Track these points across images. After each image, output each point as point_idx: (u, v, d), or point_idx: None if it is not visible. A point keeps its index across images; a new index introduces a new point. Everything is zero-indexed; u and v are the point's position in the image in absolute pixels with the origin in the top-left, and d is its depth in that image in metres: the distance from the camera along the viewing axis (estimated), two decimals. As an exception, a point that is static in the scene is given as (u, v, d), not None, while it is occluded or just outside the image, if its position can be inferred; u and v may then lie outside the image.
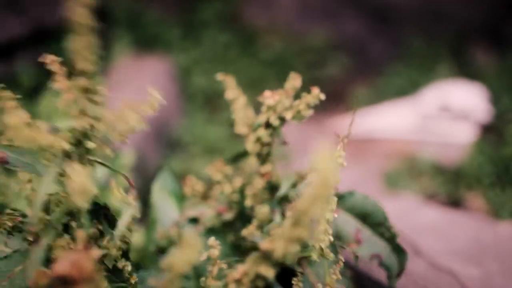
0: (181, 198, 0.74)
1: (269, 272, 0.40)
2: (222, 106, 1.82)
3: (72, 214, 0.52)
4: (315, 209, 0.37)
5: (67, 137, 0.50)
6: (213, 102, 1.86)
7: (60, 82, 0.50)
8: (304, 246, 0.58)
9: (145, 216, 1.31)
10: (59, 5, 1.48)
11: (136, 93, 1.59)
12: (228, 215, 0.68)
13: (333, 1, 2.17)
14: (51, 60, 0.52)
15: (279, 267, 0.40)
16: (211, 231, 0.69)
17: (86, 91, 0.48)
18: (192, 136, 1.66)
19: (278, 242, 0.38)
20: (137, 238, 0.89)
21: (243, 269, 0.41)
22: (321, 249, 0.52)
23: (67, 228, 0.53)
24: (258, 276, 0.41)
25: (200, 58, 1.94)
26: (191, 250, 0.39)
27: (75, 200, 0.43)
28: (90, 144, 0.51)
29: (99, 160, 0.54)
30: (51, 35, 1.54)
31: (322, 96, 0.58)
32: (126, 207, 0.56)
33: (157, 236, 0.69)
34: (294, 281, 0.54)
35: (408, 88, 2.04)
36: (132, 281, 0.54)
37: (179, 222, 0.69)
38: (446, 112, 1.73)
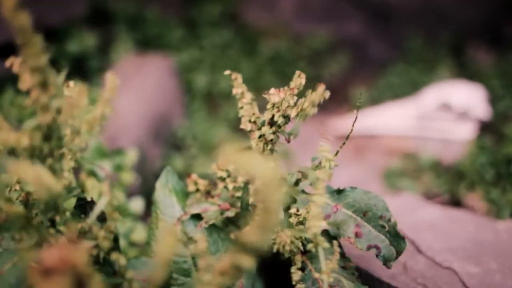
0: (184, 195, 0.75)
1: (248, 262, 0.40)
2: (223, 105, 1.83)
3: (56, 210, 0.52)
4: (274, 201, 0.37)
5: (31, 134, 0.50)
6: (214, 101, 1.87)
7: (25, 82, 0.50)
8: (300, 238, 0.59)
9: (148, 213, 1.32)
10: (60, 6, 1.49)
11: (137, 90, 1.59)
12: (231, 212, 0.69)
13: (334, 1, 2.17)
14: (14, 62, 0.52)
15: (259, 257, 0.41)
16: (213, 227, 0.69)
17: (42, 85, 0.49)
18: (193, 135, 1.67)
19: (251, 231, 0.38)
20: (140, 234, 0.90)
21: (226, 260, 0.42)
22: (315, 237, 0.52)
23: (53, 224, 0.53)
24: (239, 267, 0.41)
25: (201, 57, 1.94)
26: (171, 238, 0.40)
27: (39, 196, 0.44)
28: (64, 138, 0.51)
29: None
30: (52, 36, 1.54)
31: (327, 94, 0.58)
32: (102, 196, 0.57)
33: (160, 232, 0.70)
34: (293, 269, 0.55)
35: (408, 88, 2.05)
36: (128, 276, 0.54)
37: (182, 218, 0.70)
38: (446, 111, 1.74)
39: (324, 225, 0.53)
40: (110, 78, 0.57)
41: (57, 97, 0.50)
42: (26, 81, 0.50)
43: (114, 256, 0.52)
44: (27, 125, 0.51)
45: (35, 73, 0.48)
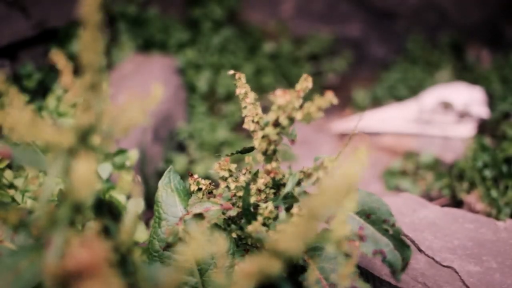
0: (186, 195, 0.75)
1: (275, 267, 0.40)
2: (225, 105, 1.83)
3: (77, 209, 0.52)
4: (334, 203, 0.38)
5: (71, 133, 0.50)
6: (215, 101, 1.87)
7: (67, 78, 0.50)
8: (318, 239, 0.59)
9: (148, 212, 1.33)
10: (63, 6, 1.49)
11: (138, 89, 1.60)
12: (233, 212, 0.69)
13: (334, 2, 2.18)
14: (58, 57, 0.52)
15: (286, 263, 0.41)
16: (215, 227, 0.70)
17: (92, 87, 0.49)
18: (195, 134, 1.67)
19: (288, 235, 0.38)
20: (140, 234, 0.90)
21: (252, 264, 0.42)
22: (338, 240, 0.52)
23: (71, 223, 0.53)
24: (265, 271, 0.41)
25: (202, 57, 1.94)
26: (197, 245, 0.40)
27: (79, 194, 0.44)
28: (95, 140, 0.51)
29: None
30: (55, 36, 1.55)
31: (335, 101, 0.58)
32: (131, 202, 0.56)
33: (164, 232, 0.70)
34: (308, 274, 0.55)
35: (409, 89, 2.06)
36: (141, 277, 0.54)
37: (185, 218, 0.70)
38: (446, 110, 1.74)
39: (348, 230, 0.53)
40: (155, 88, 0.57)
41: (103, 100, 0.50)
42: (69, 78, 0.51)
43: (132, 256, 0.52)
44: (66, 124, 0.51)
45: (91, 73, 0.48)
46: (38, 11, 1.38)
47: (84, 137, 0.51)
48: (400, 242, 0.65)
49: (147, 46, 1.87)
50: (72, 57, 1.56)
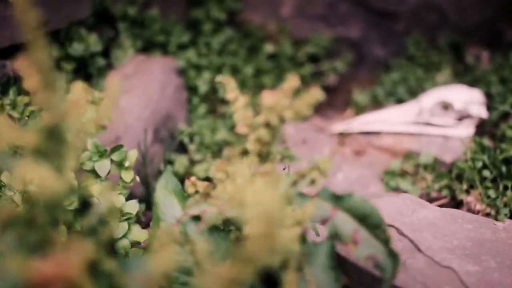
0: (183, 197, 0.76)
1: (248, 274, 0.40)
2: (225, 106, 1.84)
3: (57, 209, 0.52)
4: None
5: (36, 134, 0.50)
6: (216, 102, 1.88)
7: (30, 83, 0.50)
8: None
9: (148, 213, 1.33)
10: (64, 8, 1.50)
11: (139, 90, 1.60)
12: (230, 213, 0.69)
13: (334, 2, 2.18)
14: (21, 63, 0.52)
15: (262, 270, 0.41)
16: (213, 228, 0.70)
17: (48, 85, 0.49)
18: (194, 135, 1.67)
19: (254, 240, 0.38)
20: (139, 235, 0.91)
21: (225, 269, 0.41)
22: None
23: (56, 223, 0.53)
24: (238, 278, 0.41)
25: (203, 58, 1.95)
26: (167, 252, 0.40)
27: (40, 197, 0.44)
28: (66, 139, 0.51)
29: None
30: (56, 38, 1.55)
31: (321, 97, 0.59)
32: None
33: (161, 233, 0.71)
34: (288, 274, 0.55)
35: (408, 91, 2.06)
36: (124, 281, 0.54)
37: (182, 220, 0.71)
38: (446, 110, 1.74)
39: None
40: (112, 80, 0.58)
41: (62, 98, 0.50)
42: (32, 81, 0.51)
43: (108, 263, 0.52)
44: (32, 125, 0.51)
45: (40, 73, 0.48)
46: (39, 13, 1.38)
47: (52, 136, 0.51)
48: (390, 250, 0.65)
49: (147, 46, 1.88)
50: (73, 58, 1.56)
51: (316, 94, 0.59)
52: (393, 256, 0.66)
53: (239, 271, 0.39)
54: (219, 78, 0.68)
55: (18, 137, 0.49)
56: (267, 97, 0.60)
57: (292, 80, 0.62)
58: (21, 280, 0.40)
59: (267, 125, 0.61)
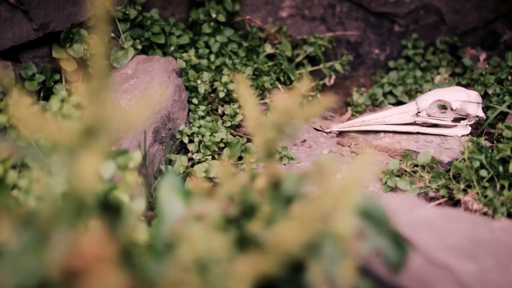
0: (186, 196, 0.76)
1: (274, 268, 0.40)
2: (225, 106, 1.84)
3: (80, 207, 0.52)
4: (335, 203, 0.38)
5: (76, 131, 0.51)
6: (215, 102, 1.89)
7: (74, 78, 0.51)
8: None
9: (149, 213, 1.34)
10: (66, 9, 1.51)
11: (139, 90, 1.61)
12: (233, 212, 0.70)
13: (334, 2, 2.19)
14: (65, 57, 0.53)
15: (286, 263, 0.41)
16: (216, 227, 0.71)
17: (98, 90, 0.49)
18: (195, 135, 1.68)
19: (286, 234, 0.39)
20: (142, 234, 0.92)
21: (249, 264, 0.41)
22: (340, 239, 0.53)
23: (75, 222, 0.54)
24: (263, 272, 0.41)
25: (203, 58, 1.96)
26: (196, 245, 0.41)
27: (82, 193, 0.44)
28: (100, 139, 0.51)
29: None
30: (57, 39, 1.56)
31: (333, 104, 0.60)
32: (134, 203, 0.57)
33: (165, 232, 0.72)
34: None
35: (407, 91, 2.07)
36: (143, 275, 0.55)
37: (185, 218, 0.71)
38: (444, 111, 1.76)
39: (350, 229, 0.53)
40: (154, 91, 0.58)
41: (107, 101, 0.50)
42: (76, 78, 0.51)
43: (136, 255, 0.53)
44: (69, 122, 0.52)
45: (98, 77, 0.48)
46: (41, 14, 1.39)
47: (89, 135, 0.51)
48: (398, 243, 0.66)
49: (148, 47, 1.89)
50: (73, 60, 1.57)
51: (328, 101, 0.60)
52: (401, 247, 0.66)
53: (266, 263, 0.39)
54: (231, 74, 0.69)
55: (60, 134, 0.48)
56: (280, 100, 0.60)
57: (303, 83, 0.63)
58: (45, 273, 0.40)
59: (275, 125, 0.62)
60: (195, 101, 1.80)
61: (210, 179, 1.44)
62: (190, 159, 1.63)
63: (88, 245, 0.38)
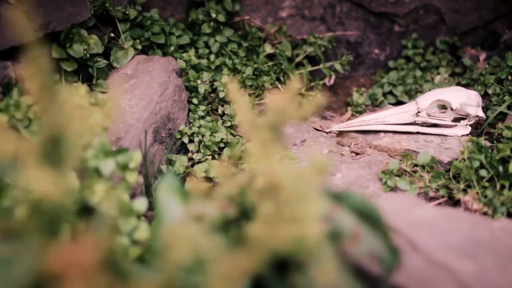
0: (185, 196, 0.76)
1: (261, 265, 0.40)
2: (225, 106, 1.84)
3: (53, 216, 0.51)
4: (301, 187, 0.38)
5: (36, 142, 0.50)
6: (215, 102, 1.89)
7: (31, 85, 0.50)
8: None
9: (148, 213, 1.34)
10: (66, 10, 1.51)
11: (139, 90, 1.61)
12: (232, 213, 0.70)
13: (334, 4, 2.19)
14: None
15: (274, 260, 0.41)
16: (214, 228, 0.71)
17: (45, 89, 0.49)
18: (195, 135, 1.68)
19: (267, 225, 0.38)
20: (143, 233, 0.92)
21: (231, 263, 0.41)
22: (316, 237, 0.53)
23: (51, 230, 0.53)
24: (251, 270, 0.40)
25: (203, 58, 1.96)
26: (184, 247, 0.40)
27: (48, 202, 0.44)
28: (64, 148, 0.51)
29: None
30: (57, 39, 1.56)
31: (325, 101, 0.60)
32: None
33: (164, 232, 0.72)
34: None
35: (407, 91, 2.07)
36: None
37: (184, 219, 0.71)
38: (444, 110, 1.76)
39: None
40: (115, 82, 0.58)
41: (62, 102, 0.50)
42: (32, 85, 0.51)
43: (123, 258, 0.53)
44: (35, 126, 0.52)
45: (39, 77, 0.48)
46: (40, 15, 1.39)
47: (52, 145, 0.50)
48: (391, 246, 0.67)
49: (148, 47, 1.89)
50: (73, 59, 1.57)
51: (321, 98, 0.60)
52: (393, 251, 0.67)
53: (250, 260, 0.39)
54: (223, 78, 0.69)
55: (18, 146, 0.48)
56: (273, 99, 0.60)
57: (295, 82, 0.63)
58: (36, 271, 0.40)
59: (271, 126, 0.62)
60: (195, 101, 1.80)
61: (210, 179, 1.44)
62: (190, 159, 1.63)
63: (65, 251, 0.37)
